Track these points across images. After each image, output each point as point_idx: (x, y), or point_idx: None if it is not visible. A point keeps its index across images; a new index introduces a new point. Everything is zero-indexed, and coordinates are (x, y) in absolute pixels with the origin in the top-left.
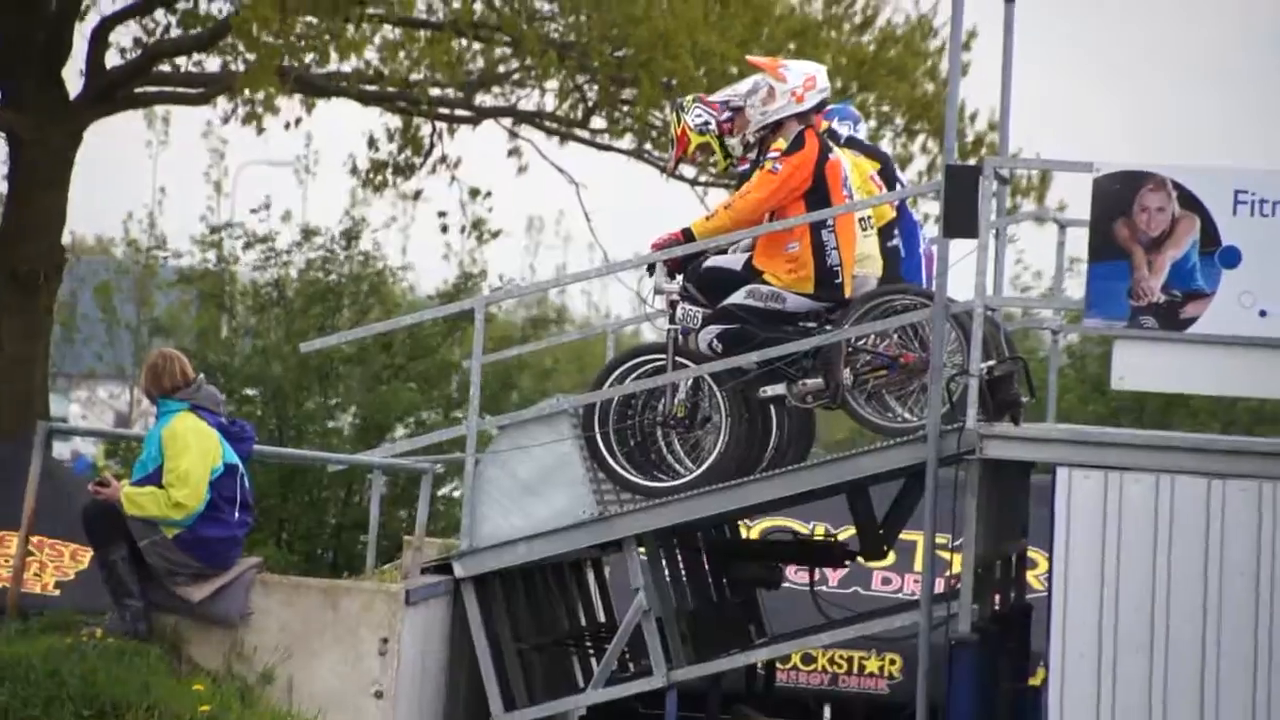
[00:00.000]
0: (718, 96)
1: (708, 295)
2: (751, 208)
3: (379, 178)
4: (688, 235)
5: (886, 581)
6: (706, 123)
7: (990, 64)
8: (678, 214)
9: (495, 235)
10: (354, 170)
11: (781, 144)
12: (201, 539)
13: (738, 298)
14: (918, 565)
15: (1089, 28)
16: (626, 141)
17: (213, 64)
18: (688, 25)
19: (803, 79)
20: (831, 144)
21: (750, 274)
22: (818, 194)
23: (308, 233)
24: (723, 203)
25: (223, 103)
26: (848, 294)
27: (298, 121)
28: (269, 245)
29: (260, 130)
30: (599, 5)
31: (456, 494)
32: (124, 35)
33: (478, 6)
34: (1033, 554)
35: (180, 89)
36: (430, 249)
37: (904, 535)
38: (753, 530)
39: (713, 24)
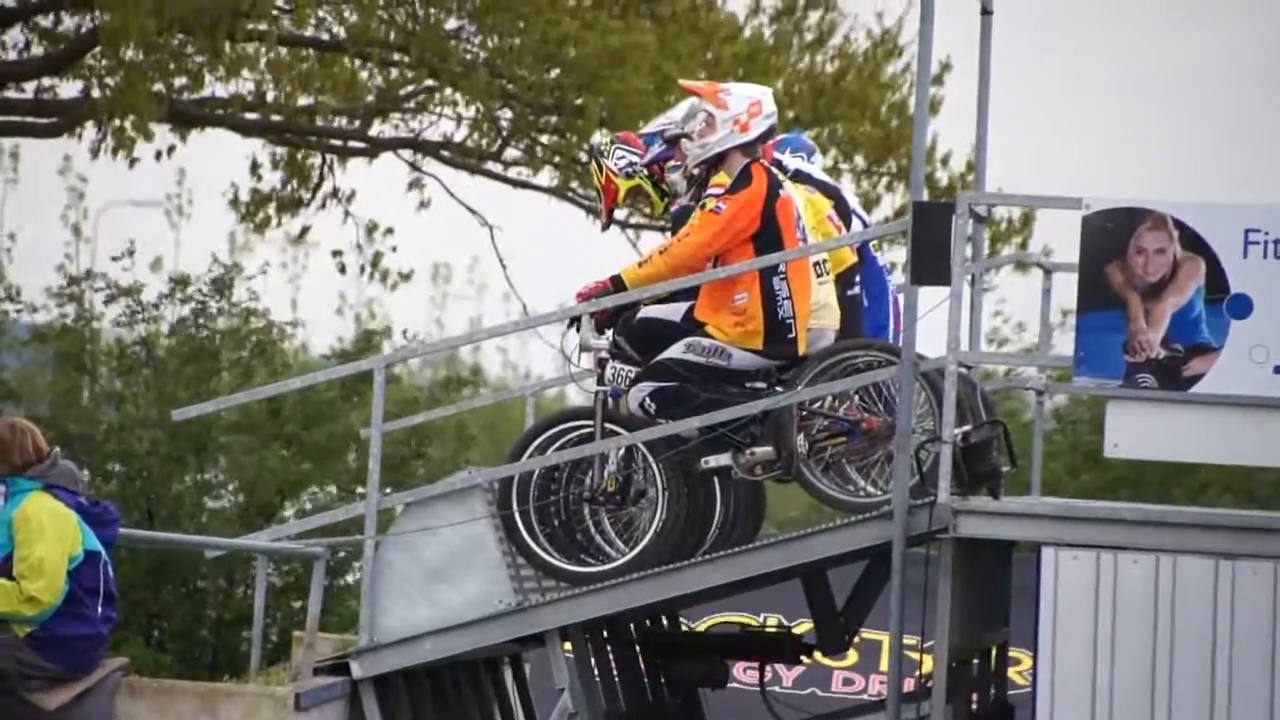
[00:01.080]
0: (650, 127)
1: (642, 351)
2: (691, 253)
3: (262, 213)
4: (618, 284)
5: (848, 683)
6: (632, 163)
7: (965, 101)
8: (606, 260)
9: (406, 277)
10: (234, 201)
11: (725, 179)
12: (59, 638)
13: (675, 351)
14: (883, 665)
15: (1075, 57)
16: (546, 177)
17: (69, 89)
18: (638, 46)
19: (746, 104)
20: (782, 178)
21: (691, 326)
22: (767, 236)
23: (179, 282)
24: (658, 247)
25: (89, 133)
26: (802, 350)
27: (170, 151)
28: (135, 298)
29: (132, 162)
30: (524, 23)
31: (355, 582)
32: None
33: (378, 23)
34: (1014, 653)
35: (31, 118)
36: (324, 302)
37: (869, 634)
38: (698, 625)
39: (660, 47)
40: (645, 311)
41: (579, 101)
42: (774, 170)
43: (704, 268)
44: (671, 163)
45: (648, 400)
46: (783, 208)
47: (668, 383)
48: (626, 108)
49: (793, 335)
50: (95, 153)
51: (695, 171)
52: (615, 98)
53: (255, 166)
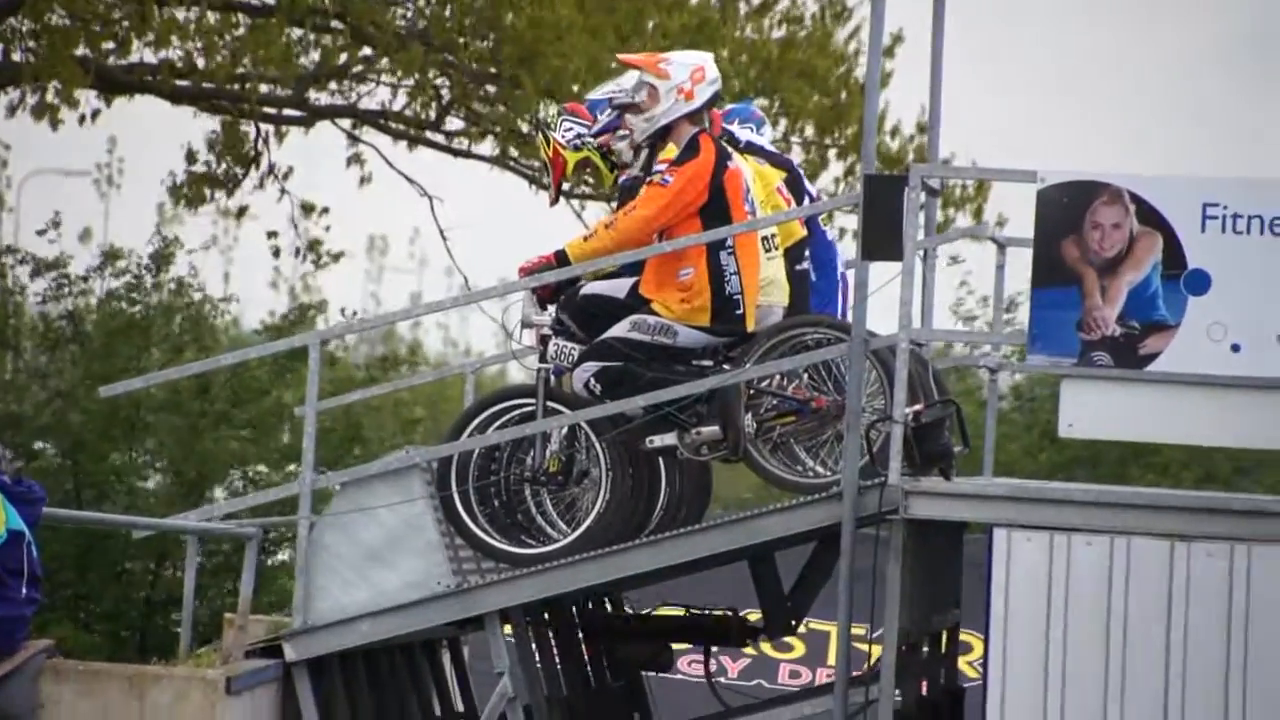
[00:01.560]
0: (598, 93)
1: (585, 328)
2: (638, 226)
3: (196, 192)
4: (561, 258)
5: (795, 675)
6: (579, 135)
7: (915, 72)
8: (550, 233)
9: (336, 258)
10: (174, 188)
11: (672, 151)
12: None
13: (620, 330)
14: (831, 658)
15: (1030, 34)
16: (488, 146)
17: None
18: (578, 19)
19: (689, 71)
20: (730, 150)
21: (636, 302)
22: (715, 209)
23: (110, 255)
24: (603, 220)
25: (9, 95)
26: (750, 326)
27: (95, 116)
28: (61, 271)
29: (55, 125)
30: None
31: (288, 562)
32: None
33: None
34: (966, 637)
35: None
36: (256, 275)
37: (816, 625)
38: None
39: (588, 20)
40: (589, 288)
41: (516, 75)
42: (722, 142)
43: (650, 242)
44: (619, 132)
45: (593, 381)
46: (731, 180)
47: (613, 362)
48: (565, 81)
49: (740, 312)
50: (12, 111)
51: (642, 143)
52: (554, 72)
53: (191, 154)
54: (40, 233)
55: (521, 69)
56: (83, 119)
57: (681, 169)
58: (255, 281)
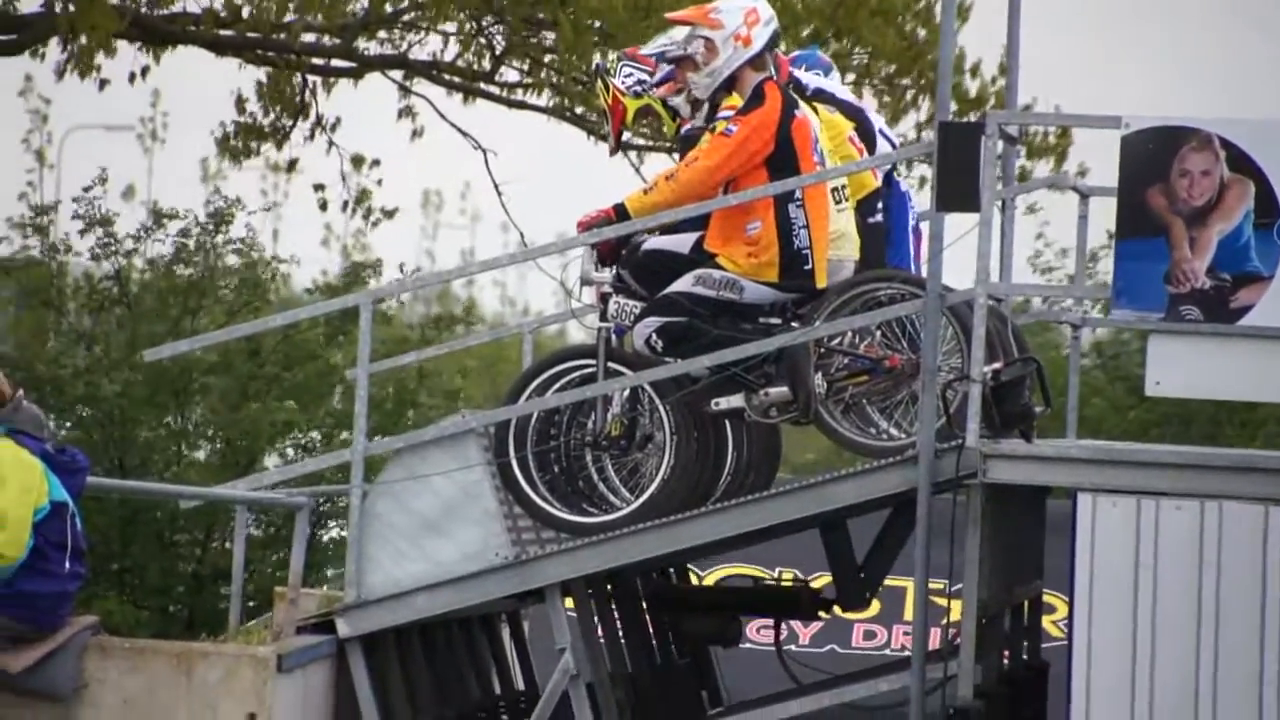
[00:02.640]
0: (649, 48)
1: (647, 284)
2: (701, 178)
3: (244, 144)
4: (621, 213)
5: (869, 636)
6: (641, 81)
7: (996, 5)
8: (609, 187)
9: (389, 215)
10: (223, 139)
11: (736, 100)
12: (23, 595)
13: (683, 285)
14: (908, 616)
15: None
16: (545, 98)
17: (28, 3)
18: None
19: (742, 15)
20: (798, 98)
21: (701, 257)
22: (782, 160)
23: (161, 216)
24: (664, 172)
25: (54, 52)
26: (820, 282)
27: (144, 73)
28: (108, 230)
29: (102, 84)
30: None
31: (341, 534)
32: None
33: None
34: (1049, 599)
35: None
36: (305, 233)
37: (890, 581)
38: (707, 578)
39: None
40: (651, 243)
41: (556, 17)
42: (789, 90)
43: (714, 194)
44: (674, 86)
45: (654, 337)
46: (799, 129)
47: (676, 318)
48: (613, 30)
49: (809, 267)
50: (60, 74)
51: (702, 98)
52: (594, 14)
53: (241, 101)
54: (86, 189)
55: (561, 12)
56: (132, 77)
57: (746, 118)
58: (306, 240)
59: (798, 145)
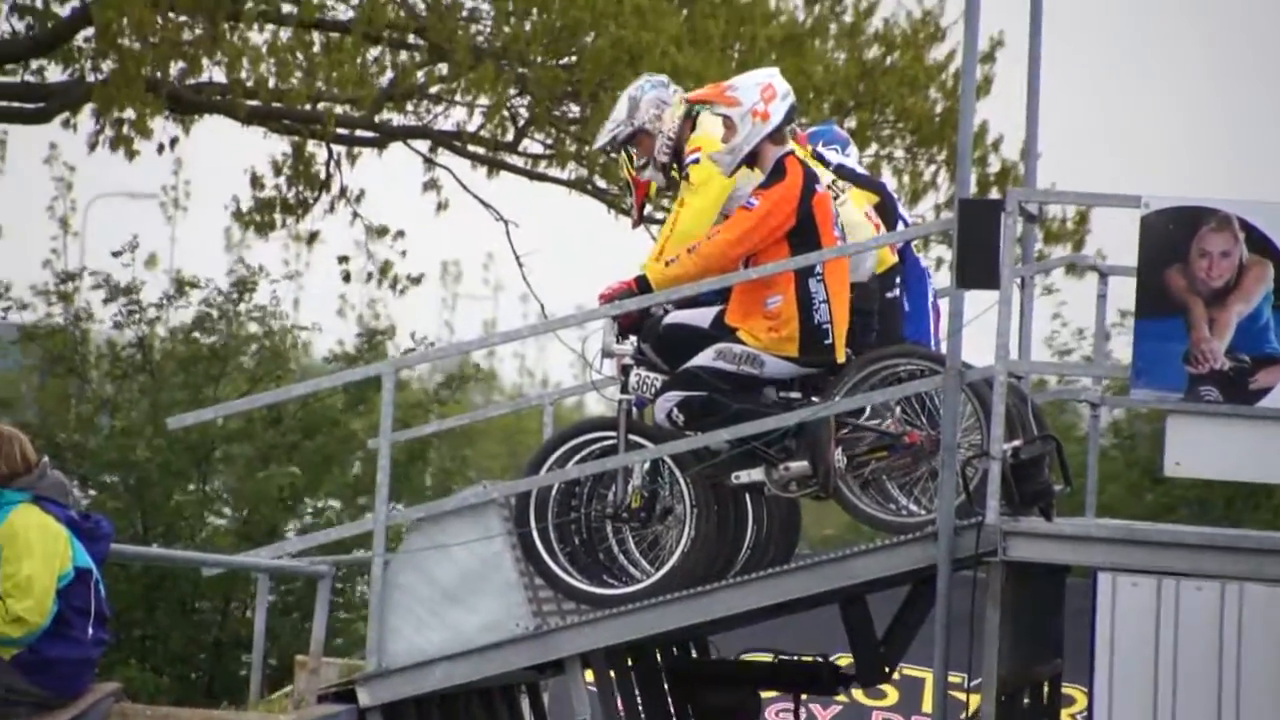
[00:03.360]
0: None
1: (668, 358)
2: (723, 251)
3: (265, 218)
4: (642, 285)
5: None
6: None
7: (1018, 80)
8: (631, 260)
9: (416, 281)
10: (238, 214)
11: (758, 175)
12: (47, 661)
13: (704, 359)
14: (926, 707)
15: (1140, 37)
16: (567, 170)
17: (55, 73)
18: (658, 36)
19: (759, 91)
20: (817, 174)
21: (721, 332)
22: (803, 234)
23: (184, 284)
24: (686, 245)
25: (84, 122)
26: (839, 357)
27: (173, 143)
28: (133, 298)
29: (132, 155)
30: (544, 7)
31: (362, 602)
32: None
33: (390, 6)
34: (1068, 690)
35: (17, 103)
36: (323, 302)
37: (909, 670)
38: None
39: (686, 36)
40: (672, 317)
41: (596, 94)
42: (810, 165)
43: (735, 268)
44: (639, 162)
45: (675, 411)
46: (820, 204)
47: (697, 392)
48: None
49: (830, 341)
50: (93, 146)
51: (664, 160)
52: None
53: (256, 179)
54: (116, 254)
55: (601, 89)
56: (161, 148)
57: (768, 192)
58: (324, 308)
59: (819, 220)
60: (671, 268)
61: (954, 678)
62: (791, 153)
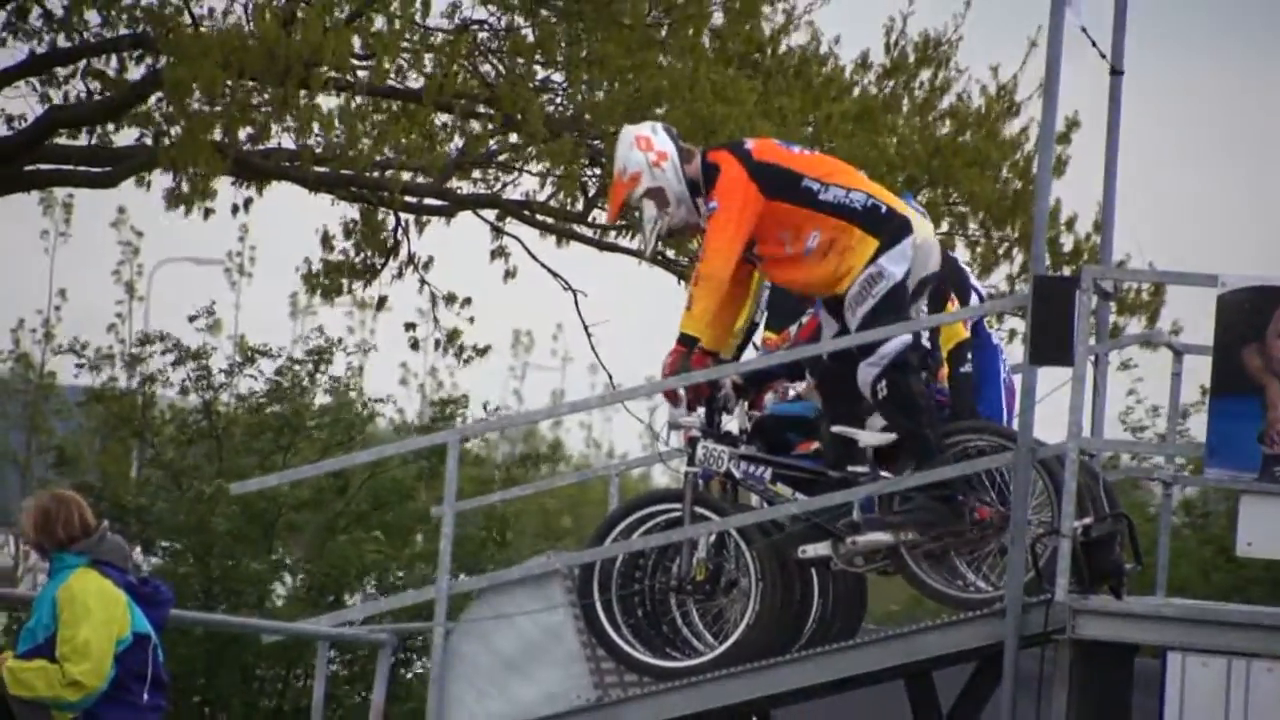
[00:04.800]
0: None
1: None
2: (720, 261)
3: (333, 282)
4: (685, 340)
5: None
6: None
7: (1094, 160)
8: None
9: (482, 353)
10: (308, 276)
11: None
12: None
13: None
14: None
15: (1209, 112)
16: (636, 240)
17: (123, 138)
18: (733, 110)
19: (636, 150)
20: (744, 139)
21: (828, 313)
22: (777, 183)
23: (254, 352)
24: (692, 278)
25: (160, 181)
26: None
27: (247, 205)
28: (202, 363)
29: (206, 214)
30: (617, 76)
31: (424, 672)
32: (12, 98)
33: (462, 74)
34: None
35: (84, 167)
36: (385, 371)
37: None
38: None
39: (758, 109)
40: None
41: None
42: (729, 143)
43: (741, 267)
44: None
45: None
46: (761, 151)
47: (900, 374)
48: None
49: (884, 209)
50: (172, 202)
51: (701, 222)
52: None
53: (327, 237)
54: (191, 319)
55: None
56: (235, 210)
57: (717, 189)
58: (386, 377)
59: (775, 161)
60: (694, 307)
61: None
62: (709, 149)
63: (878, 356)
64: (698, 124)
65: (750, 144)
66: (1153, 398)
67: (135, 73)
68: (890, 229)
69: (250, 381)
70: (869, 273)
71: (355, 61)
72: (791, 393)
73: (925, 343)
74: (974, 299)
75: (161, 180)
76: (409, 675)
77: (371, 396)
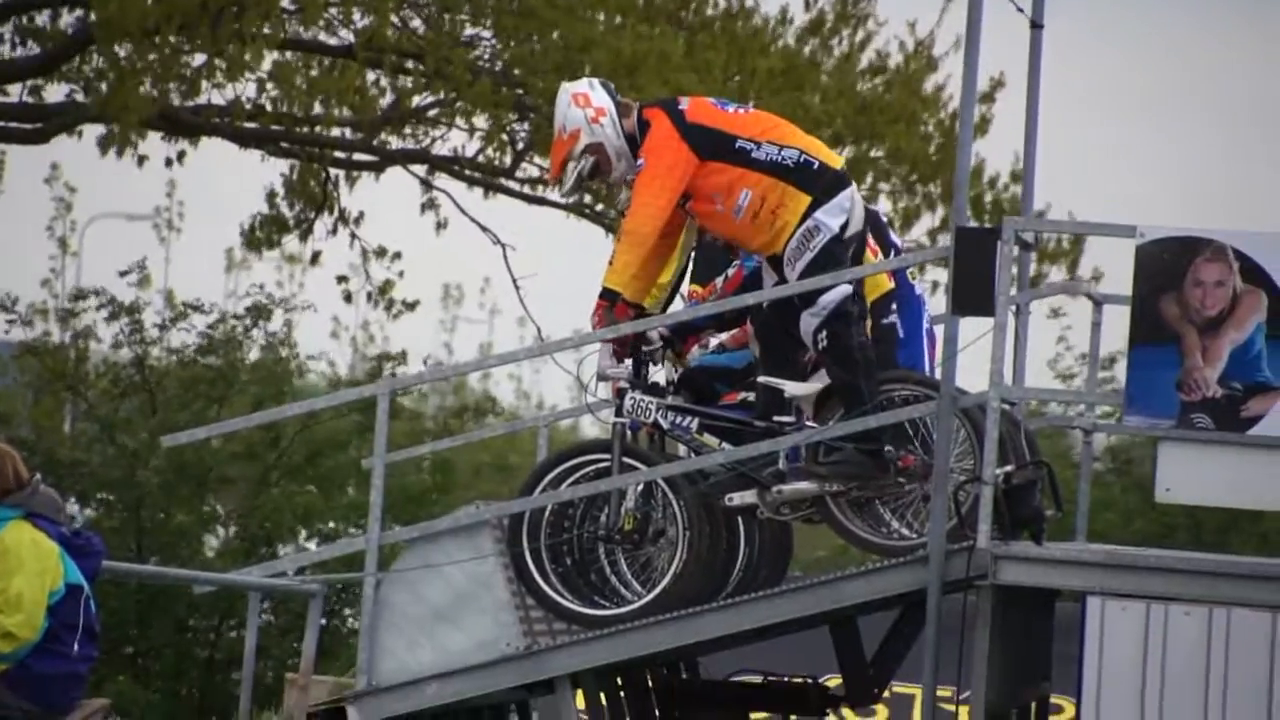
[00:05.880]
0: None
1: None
2: (648, 216)
3: (268, 236)
4: (607, 295)
5: None
6: None
7: (1014, 118)
8: None
9: (411, 307)
10: (250, 231)
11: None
12: (36, 676)
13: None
14: None
15: (1129, 65)
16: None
17: (55, 93)
18: (660, 56)
19: (574, 106)
20: (677, 97)
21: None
22: (710, 144)
23: (187, 307)
24: (618, 233)
25: (91, 132)
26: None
27: (180, 157)
28: (135, 318)
29: (141, 160)
30: (544, 28)
31: (354, 622)
32: None
33: (390, 28)
34: (1057, 700)
35: (15, 123)
36: (316, 326)
37: (899, 687)
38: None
39: (687, 59)
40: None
41: None
42: (662, 100)
43: (662, 223)
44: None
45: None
46: (695, 111)
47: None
48: None
49: (815, 164)
50: (104, 147)
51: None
52: None
53: (272, 196)
54: (123, 274)
55: None
56: (169, 161)
57: (646, 145)
58: (316, 331)
59: (708, 122)
60: (616, 262)
61: (943, 691)
62: (644, 106)
63: (819, 307)
64: (620, 64)
65: (684, 104)
66: (1081, 345)
67: (68, 26)
68: (823, 184)
69: (183, 336)
70: (806, 227)
71: (285, 13)
72: (713, 343)
73: None
74: (894, 252)
75: (93, 131)
76: (340, 626)
77: (305, 354)
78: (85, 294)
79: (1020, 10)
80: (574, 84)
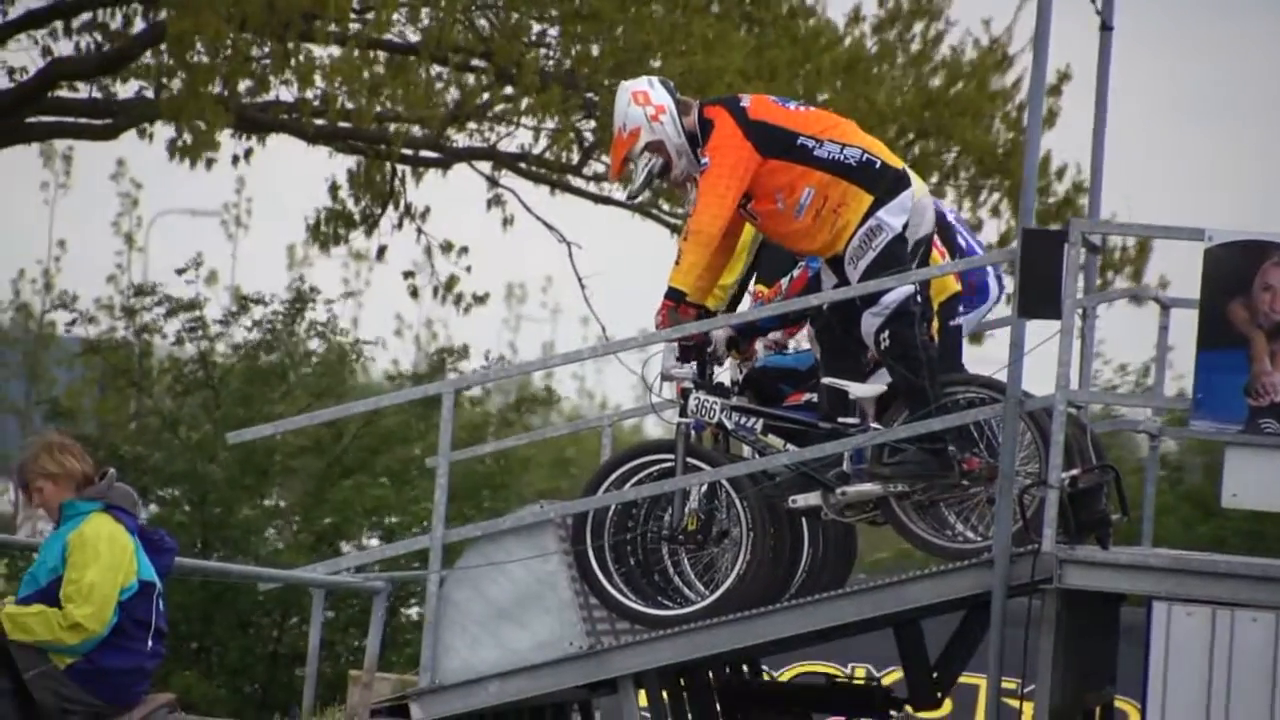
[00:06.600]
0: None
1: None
2: (712, 216)
3: (334, 231)
4: (673, 295)
5: None
6: None
7: (1083, 113)
8: None
9: (481, 300)
10: (314, 226)
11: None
12: (102, 670)
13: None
14: (979, 716)
15: (1198, 67)
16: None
17: (124, 90)
18: (725, 63)
19: (635, 104)
20: (739, 95)
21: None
22: (772, 143)
23: (247, 301)
24: (681, 235)
25: (161, 132)
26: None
27: (248, 155)
28: (196, 314)
29: (210, 163)
30: (609, 30)
31: (416, 614)
32: (14, 51)
33: (458, 27)
34: (1121, 705)
35: (84, 119)
36: (382, 322)
37: (964, 678)
38: (781, 675)
39: (752, 65)
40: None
41: None
42: (724, 99)
43: (727, 221)
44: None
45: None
46: (756, 109)
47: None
48: None
49: (878, 164)
50: (172, 152)
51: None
52: None
53: (335, 188)
54: (180, 271)
55: None
56: (236, 160)
57: (710, 144)
58: (383, 328)
59: (770, 119)
60: (683, 262)
61: (1008, 683)
62: (705, 104)
63: (881, 306)
64: (691, 77)
65: (746, 101)
66: (1118, 356)
67: (137, 26)
68: (885, 183)
69: (244, 331)
70: (868, 226)
71: (354, 14)
72: (791, 345)
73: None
74: (970, 251)
75: (164, 132)
76: (404, 621)
77: (361, 340)
78: (145, 290)
79: (1097, 10)
80: (633, 82)
